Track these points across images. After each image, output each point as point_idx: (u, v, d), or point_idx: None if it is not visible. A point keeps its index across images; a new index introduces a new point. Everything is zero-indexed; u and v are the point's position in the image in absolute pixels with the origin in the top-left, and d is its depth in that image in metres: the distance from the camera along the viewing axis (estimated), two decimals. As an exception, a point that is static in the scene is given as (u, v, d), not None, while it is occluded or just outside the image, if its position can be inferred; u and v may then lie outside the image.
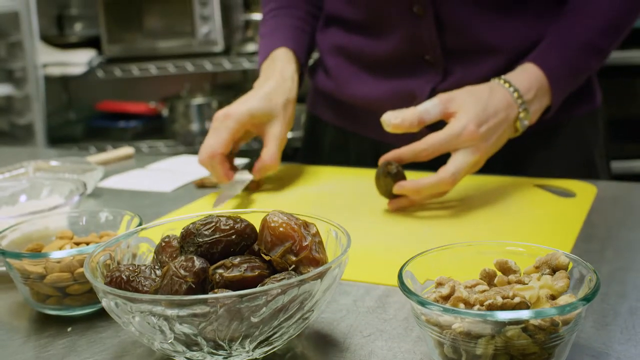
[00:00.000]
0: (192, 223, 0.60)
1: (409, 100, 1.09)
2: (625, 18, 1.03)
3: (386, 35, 1.09)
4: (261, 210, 0.67)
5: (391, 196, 0.93)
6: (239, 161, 1.14)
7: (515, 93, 0.95)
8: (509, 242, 0.62)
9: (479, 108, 0.91)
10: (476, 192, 1.00)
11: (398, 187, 0.91)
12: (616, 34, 1.03)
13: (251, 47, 2.91)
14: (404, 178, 0.93)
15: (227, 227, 0.59)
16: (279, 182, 1.10)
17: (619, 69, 2.47)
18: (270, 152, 1.03)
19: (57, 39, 3.23)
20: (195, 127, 2.98)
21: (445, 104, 0.92)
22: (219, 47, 2.96)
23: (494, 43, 1.05)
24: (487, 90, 0.94)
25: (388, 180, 0.92)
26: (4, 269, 0.80)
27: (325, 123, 1.25)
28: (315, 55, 1.24)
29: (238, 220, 0.60)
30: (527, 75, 0.98)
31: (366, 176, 1.09)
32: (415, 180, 0.91)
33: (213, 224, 0.60)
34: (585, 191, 0.98)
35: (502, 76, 0.97)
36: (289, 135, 1.09)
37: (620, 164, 2.52)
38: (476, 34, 1.05)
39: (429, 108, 0.92)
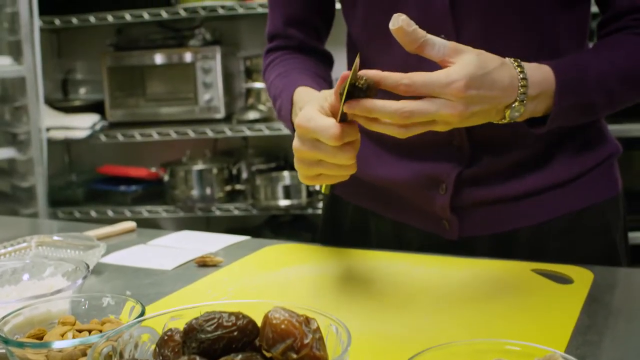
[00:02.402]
0: (195, 318, 0.61)
1: (434, 184, 1.10)
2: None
3: None
4: (263, 301, 0.68)
5: (341, 117, 0.86)
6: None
7: (523, 81, 0.90)
8: (508, 341, 0.63)
9: (479, 72, 0.85)
10: (472, 276, 1.01)
11: (351, 105, 0.84)
12: (630, 83, 1.02)
13: (252, 114, 2.95)
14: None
15: (230, 323, 0.60)
16: (288, 262, 1.11)
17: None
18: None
19: (62, 103, 3.29)
20: (195, 192, 3.00)
21: (451, 53, 0.86)
22: (221, 114, 3.01)
23: (521, 134, 1.07)
24: (498, 62, 0.89)
25: (354, 94, 0.83)
26: (3, 351, 0.81)
27: (345, 202, 1.25)
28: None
29: (240, 316, 0.61)
30: (541, 73, 0.94)
31: (372, 258, 1.10)
32: (370, 100, 0.84)
33: (216, 320, 0.60)
34: (582, 277, 0.99)
35: (521, 62, 0.92)
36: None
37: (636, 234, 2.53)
38: (503, 124, 1.06)
39: (437, 44, 0.85)
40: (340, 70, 1.08)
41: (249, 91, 3.05)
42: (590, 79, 0.98)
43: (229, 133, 2.93)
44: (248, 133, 2.92)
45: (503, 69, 0.89)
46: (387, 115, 0.83)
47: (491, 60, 0.88)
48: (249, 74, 3.05)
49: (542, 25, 1.04)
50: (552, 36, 1.05)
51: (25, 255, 1.15)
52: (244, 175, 3.07)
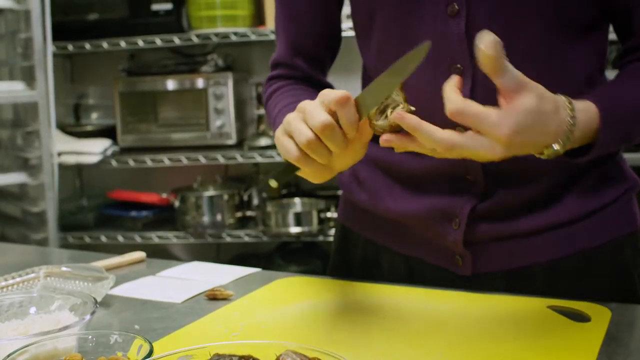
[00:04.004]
0: (204, 362, 0.60)
1: (447, 218, 1.09)
2: None
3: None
4: (275, 342, 0.66)
5: (387, 130, 0.86)
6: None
7: (571, 126, 0.88)
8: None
9: (531, 120, 0.84)
10: (486, 313, 0.99)
11: (399, 116, 0.84)
12: None
13: (263, 141, 2.95)
14: None
15: (240, 367, 0.59)
16: (300, 296, 1.09)
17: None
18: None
19: (73, 128, 3.30)
20: (206, 219, 2.99)
21: (517, 88, 0.83)
22: (232, 140, 3.01)
23: (537, 167, 1.05)
24: (553, 107, 0.86)
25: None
26: (9, 389, 0.80)
27: (356, 236, 1.23)
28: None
29: (251, 360, 0.60)
30: (588, 116, 0.91)
31: (384, 293, 1.08)
32: (419, 119, 0.84)
33: (225, 364, 0.59)
34: (599, 314, 0.97)
35: (574, 104, 0.89)
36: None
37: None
38: (518, 158, 1.04)
39: (509, 74, 0.82)
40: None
41: (260, 117, 3.05)
42: (632, 111, 0.97)
43: (240, 159, 2.93)
44: (259, 159, 2.92)
45: (556, 115, 0.87)
46: (431, 140, 0.83)
47: (549, 104, 0.86)
48: (261, 100, 3.05)
49: (557, 53, 1.03)
50: (568, 64, 1.04)
51: (33, 286, 1.14)
52: (255, 201, 3.06)
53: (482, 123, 0.83)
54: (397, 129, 0.86)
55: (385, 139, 0.85)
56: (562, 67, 1.04)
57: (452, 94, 0.84)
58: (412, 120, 0.84)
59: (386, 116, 0.87)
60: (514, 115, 0.83)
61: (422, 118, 0.96)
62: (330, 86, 1.24)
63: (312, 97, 1.14)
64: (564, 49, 1.03)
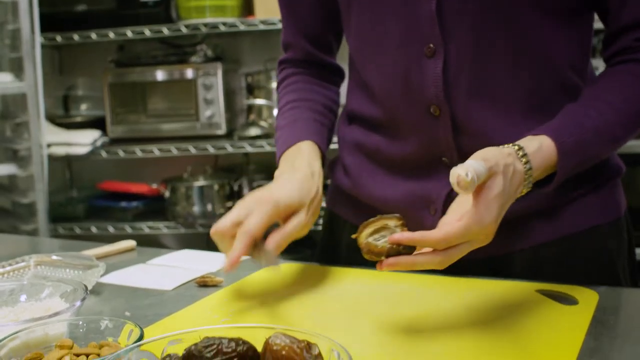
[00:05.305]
0: (195, 344, 0.60)
1: (424, 204, 1.09)
2: None
3: (404, 136, 1.09)
4: (264, 325, 0.66)
5: (382, 258, 0.89)
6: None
7: (528, 172, 0.92)
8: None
9: (502, 201, 0.87)
10: (475, 297, 1.00)
11: (390, 263, 0.87)
12: (636, 124, 1.02)
13: (253, 131, 2.95)
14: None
15: (229, 349, 0.59)
16: (288, 282, 1.09)
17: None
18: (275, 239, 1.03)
19: (63, 119, 3.29)
20: (196, 209, 2.99)
21: (488, 173, 0.86)
22: (222, 131, 3.00)
23: None
24: (512, 168, 0.90)
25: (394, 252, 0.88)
26: (1, 375, 0.80)
27: (343, 221, 1.24)
28: (336, 152, 1.25)
29: (240, 342, 0.60)
30: (542, 156, 0.94)
31: (371, 278, 1.09)
32: (409, 257, 0.87)
33: (215, 346, 0.60)
34: (587, 298, 0.98)
35: (526, 151, 0.93)
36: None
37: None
38: (492, 137, 1.02)
39: (481, 176, 0.85)
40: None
41: (250, 107, 3.05)
42: (592, 136, 0.98)
43: (230, 149, 2.93)
44: (249, 149, 2.92)
45: (515, 175, 0.90)
46: (426, 266, 0.87)
47: (509, 169, 0.89)
48: (250, 91, 3.05)
49: (538, 38, 1.03)
50: (550, 49, 1.04)
51: (24, 275, 1.14)
52: (245, 191, 3.05)
53: (468, 234, 0.86)
54: (391, 253, 0.87)
55: (389, 263, 0.86)
56: (544, 53, 1.03)
57: (427, 235, 0.86)
58: (405, 261, 0.86)
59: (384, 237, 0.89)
60: (492, 209, 0.86)
61: (395, 98, 1.01)
62: (337, 67, 1.29)
63: (314, 99, 1.22)
64: (545, 34, 1.03)
